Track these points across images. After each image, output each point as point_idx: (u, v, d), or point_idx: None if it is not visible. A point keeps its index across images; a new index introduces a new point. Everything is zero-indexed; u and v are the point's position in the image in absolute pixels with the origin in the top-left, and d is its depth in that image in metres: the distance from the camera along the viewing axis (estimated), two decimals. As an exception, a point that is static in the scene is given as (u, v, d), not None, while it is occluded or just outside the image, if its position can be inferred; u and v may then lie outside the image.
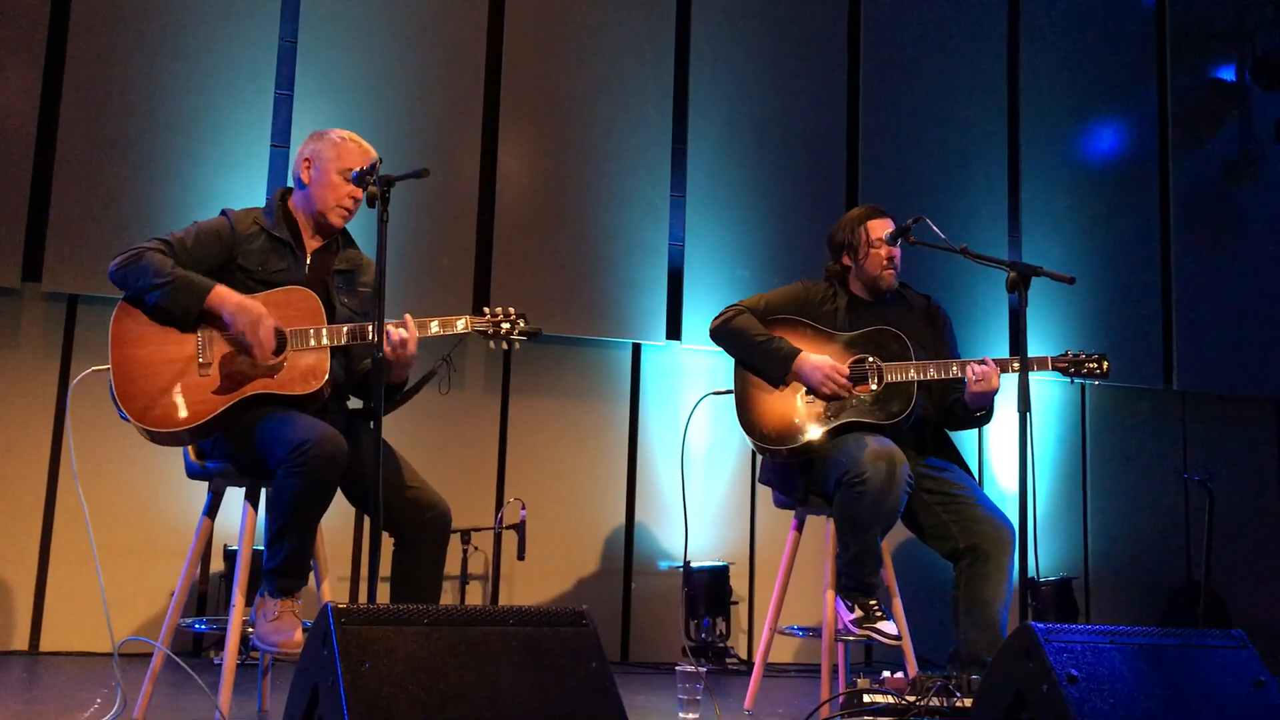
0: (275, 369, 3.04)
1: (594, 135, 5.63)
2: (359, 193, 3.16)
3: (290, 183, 3.32)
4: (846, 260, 3.80)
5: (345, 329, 3.08)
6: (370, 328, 2.94)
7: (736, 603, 5.38)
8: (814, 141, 5.98)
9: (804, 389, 3.62)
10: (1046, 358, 3.65)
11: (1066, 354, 3.67)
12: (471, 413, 5.35)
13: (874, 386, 3.60)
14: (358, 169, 3.07)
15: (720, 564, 5.31)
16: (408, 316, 3.13)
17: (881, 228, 3.73)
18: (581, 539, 5.44)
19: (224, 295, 3.02)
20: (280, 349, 3.05)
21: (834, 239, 3.84)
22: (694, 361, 5.65)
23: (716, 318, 3.78)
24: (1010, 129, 6.37)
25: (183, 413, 2.97)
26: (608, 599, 5.40)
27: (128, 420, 2.97)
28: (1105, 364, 3.65)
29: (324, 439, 2.85)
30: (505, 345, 3.24)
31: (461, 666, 2.16)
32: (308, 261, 3.24)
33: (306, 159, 3.24)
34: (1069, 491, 6.24)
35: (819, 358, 3.60)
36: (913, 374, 3.58)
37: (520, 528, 4.85)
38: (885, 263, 3.73)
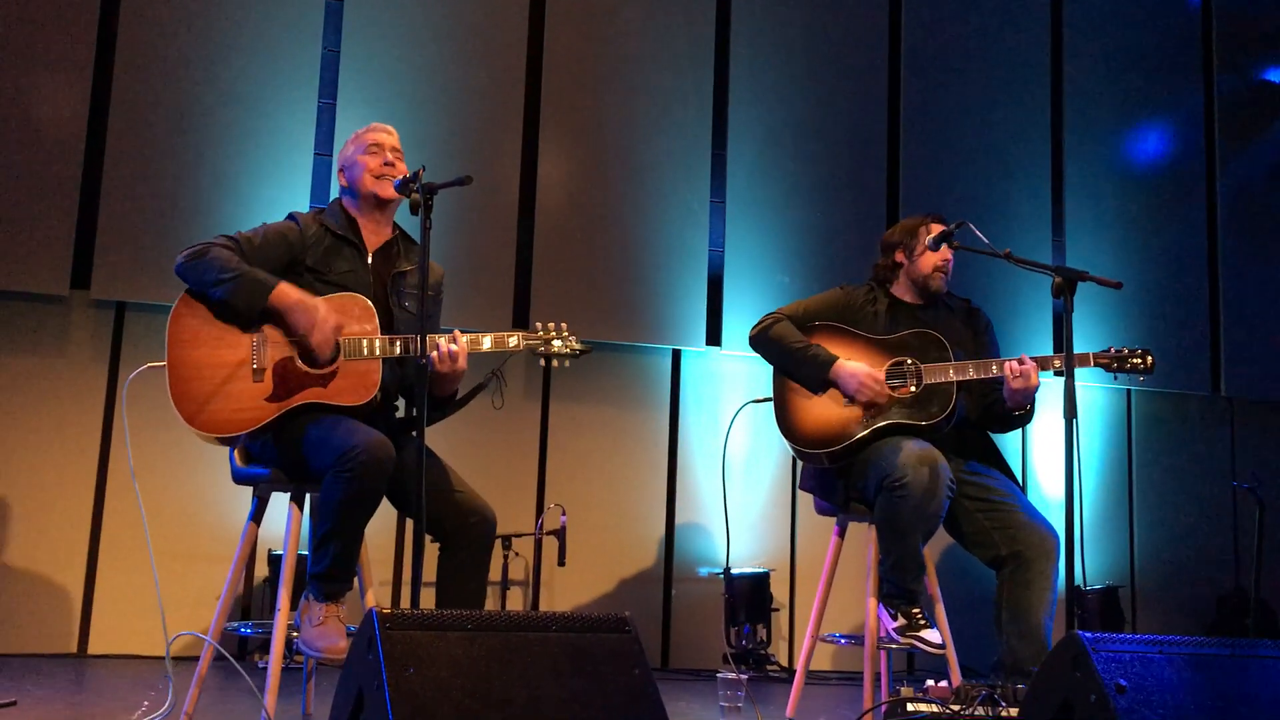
0: (327, 377, 3.07)
1: (634, 141, 5.64)
2: (391, 155, 3.28)
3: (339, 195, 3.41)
4: (900, 257, 3.78)
5: (398, 341, 3.10)
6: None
7: (777, 609, 5.36)
8: (854, 145, 5.96)
9: (844, 395, 3.61)
10: (1088, 354, 3.59)
11: (1109, 350, 3.62)
12: (512, 419, 5.37)
13: (913, 388, 3.57)
14: (376, 140, 3.27)
15: (761, 570, 5.29)
16: (457, 332, 3.15)
17: (941, 229, 3.71)
18: (622, 545, 5.45)
19: (286, 292, 3.06)
20: (334, 357, 3.08)
21: (890, 237, 3.84)
22: (734, 368, 5.64)
23: (755, 325, 3.78)
24: (1054, 131, 6.31)
25: (233, 418, 3.01)
26: (648, 605, 5.40)
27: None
28: (1149, 359, 3.59)
29: (372, 445, 2.87)
30: (555, 363, 3.26)
31: (505, 672, 2.17)
32: (369, 262, 3.28)
33: (340, 167, 3.37)
34: (1115, 499, 6.16)
35: (855, 365, 3.58)
36: (952, 374, 3.55)
37: (561, 534, 4.86)
38: (940, 263, 3.72)
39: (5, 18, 4.87)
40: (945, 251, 3.71)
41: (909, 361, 3.60)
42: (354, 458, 2.84)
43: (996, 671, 3.41)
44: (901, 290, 3.80)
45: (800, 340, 3.67)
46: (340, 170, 3.35)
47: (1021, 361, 3.52)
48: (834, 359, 3.60)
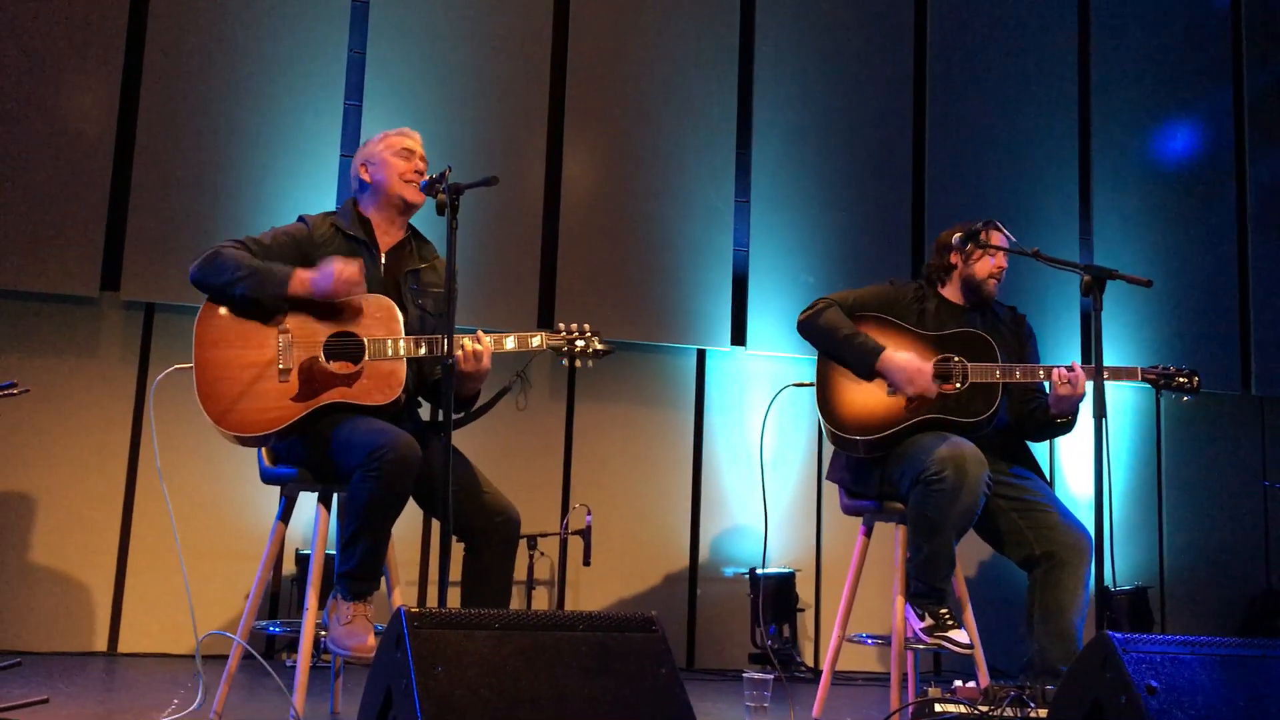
0: (352, 377, 3.08)
1: (658, 141, 5.64)
2: (421, 164, 3.31)
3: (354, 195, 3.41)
4: (955, 259, 3.77)
5: (423, 342, 3.12)
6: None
7: (803, 609, 5.34)
8: (880, 144, 5.93)
9: (888, 383, 3.59)
10: (1137, 368, 3.60)
11: (1158, 367, 3.63)
12: (537, 419, 5.38)
13: (959, 385, 3.56)
14: (407, 145, 3.30)
15: (787, 570, 5.28)
16: (480, 332, 3.16)
17: (999, 239, 3.71)
18: (646, 545, 5.45)
19: (301, 273, 3.10)
20: (358, 357, 3.10)
21: (946, 238, 3.81)
22: (759, 367, 5.63)
23: (805, 310, 3.75)
24: (1081, 130, 6.27)
25: (260, 418, 3.03)
26: (673, 605, 5.40)
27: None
28: (1196, 380, 3.61)
29: (400, 444, 2.89)
30: (579, 363, 3.27)
31: (532, 671, 2.17)
32: (383, 261, 3.29)
33: (361, 164, 3.37)
34: (1144, 499, 6.12)
35: (904, 356, 3.56)
36: (999, 375, 3.54)
37: (586, 533, 4.87)
38: (995, 270, 3.73)
39: (35, 23, 4.92)
40: (1001, 259, 3.72)
41: (956, 359, 3.58)
42: (382, 457, 2.86)
43: (1026, 672, 3.39)
44: (951, 292, 3.79)
45: (849, 327, 3.65)
46: (362, 166, 3.34)
47: (1071, 369, 3.51)
48: (882, 349, 3.58)
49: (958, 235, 3.71)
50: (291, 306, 3.11)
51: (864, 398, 3.60)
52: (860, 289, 3.82)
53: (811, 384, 3.70)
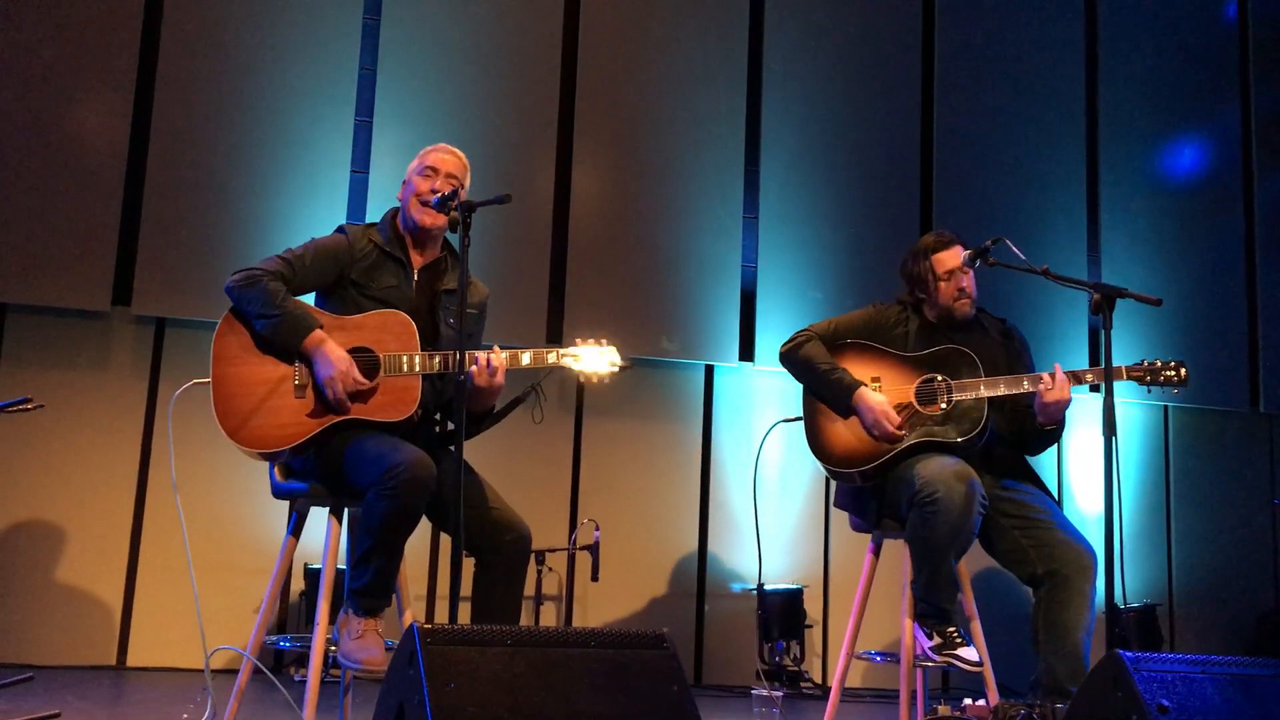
0: (368, 393, 3.10)
1: (667, 158, 5.66)
2: (437, 183, 3.25)
3: None
4: (919, 293, 3.77)
5: (437, 356, 3.13)
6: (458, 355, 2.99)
7: (810, 626, 5.34)
8: (888, 162, 5.95)
9: None
10: (1121, 367, 3.55)
11: (1142, 363, 3.59)
12: (546, 434, 5.39)
13: (944, 405, 3.56)
14: (434, 163, 3.26)
15: (794, 587, 5.28)
16: (496, 347, 3.17)
17: (950, 259, 3.67)
18: (654, 560, 5.45)
19: (318, 341, 3.08)
20: (373, 374, 3.11)
21: (904, 270, 3.81)
22: (767, 383, 5.64)
23: (786, 343, 3.76)
24: (1089, 147, 6.28)
25: (276, 433, 3.04)
26: (681, 621, 5.40)
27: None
28: (1183, 370, 3.55)
29: (415, 462, 2.89)
30: (594, 380, 3.27)
31: (543, 687, 2.18)
32: (415, 279, 3.30)
33: (404, 181, 3.35)
34: (1152, 516, 6.11)
35: (875, 398, 3.56)
36: (983, 390, 3.53)
37: (594, 549, 4.87)
38: (957, 294, 3.68)
39: (48, 39, 4.96)
40: (960, 279, 3.67)
41: (939, 379, 3.58)
42: (397, 475, 2.86)
43: (1035, 691, 3.38)
44: (932, 315, 3.78)
45: (828, 362, 3.66)
46: (403, 184, 3.35)
47: (1054, 374, 3.50)
48: (857, 385, 3.58)
49: (907, 261, 3.74)
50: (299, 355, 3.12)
51: (850, 430, 3.60)
52: (843, 315, 3.82)
53: (800, 419, 3.70)
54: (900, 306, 3.81)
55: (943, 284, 3.68)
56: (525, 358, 3.21)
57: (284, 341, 3.08)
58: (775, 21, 5.91)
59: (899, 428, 3.52)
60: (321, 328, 3.11)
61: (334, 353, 3.08)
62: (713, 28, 5.81)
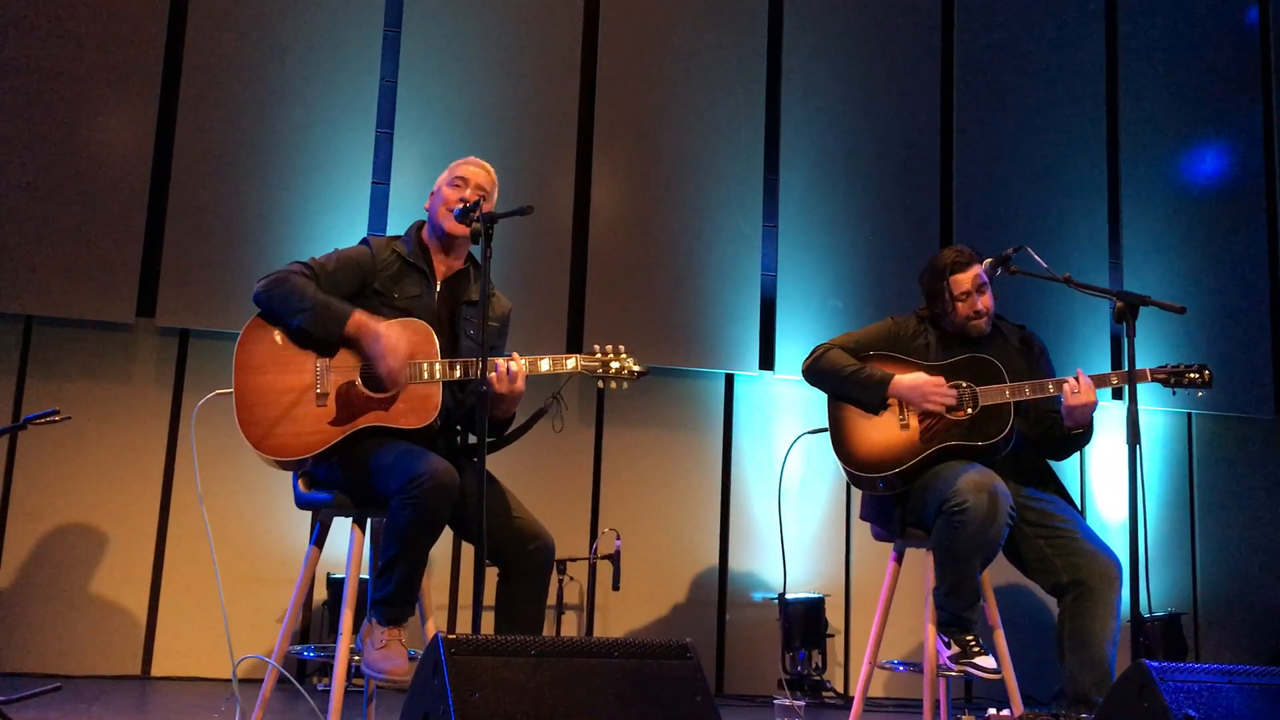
0: (389, 400, 3.11)
1: (686, 167, 5.67)
2: (466, 193, 3.29)
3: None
4: (935, 309, 3.77)
5: (458, 364, 3.14)
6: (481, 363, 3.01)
7: (832, 635, 5.32)
8: (908, 170, 5.94)
9: (899, 416, 3.59)
10: (1145, 370, 3.56)
11: (1166, 366, 3.60)
12: (567, 443, 5.39)
13: (970, 411, 3.55)
14: (463, 174, 3.30)
15: (816, 596, 5.26)
16: (515, 354, 3.19)
17: (968, 280, 3.67)
18: (675, 569, 5.45)
19: (362, 322, 3.12)
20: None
21: (922, 284, 3.82)
22: (787, 392, 5.63)
23: (807, 358, 3.77)
24: (1109, 153, 6.26)
25: (298, 442, 3.07)
26: (702, 630, 5.39)
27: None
28: (1207, 373, 3.57)
29: (438, 472, 2.91)
30: (614, 386, 3.28)
31: (568, 698, 2.18)
32: (438, 290, 3.33)
33: (432, 192, 3.39)
34: (1176, 524, 6.07)
35: (915, 375, 3.58)
36: (1008, 395, 3.53)
37: (615, 558, 4.87)
38: (972, 314, 3.68)
39: (72, 49, 5.01)
40: (975, 302, 3.67)
41: (964, 385, 3.58)
42: (421, 484, 2.88)
43: (1059, 700, 3.36)
44: (950, 328, 3.77)
45: (853, 363, 3.67)
46: (431, 195, 3.39)
47: (1078, 378, 3.50)
48: (890, 376, 3.59)
49: (925, 275, 3.75)
50: (340, 343, 3.14)
51: (878, 434, 3.60)
52: (861, 330, 3.83)
53: (826, 429, 3.70)
54: (917, 319, 3.81)
55: (959, 304, 3.69)
56: (544, 364, 3.23)
57: (324, 330, 3.11)
58: (794, 30, 5.91)
59: (945, 400, 3.51)
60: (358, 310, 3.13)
61: (382, 328, 3.10)
62: (731, 37, 5.82)
